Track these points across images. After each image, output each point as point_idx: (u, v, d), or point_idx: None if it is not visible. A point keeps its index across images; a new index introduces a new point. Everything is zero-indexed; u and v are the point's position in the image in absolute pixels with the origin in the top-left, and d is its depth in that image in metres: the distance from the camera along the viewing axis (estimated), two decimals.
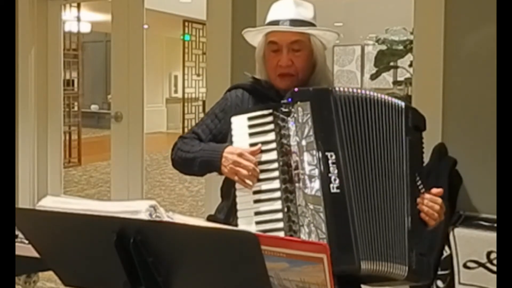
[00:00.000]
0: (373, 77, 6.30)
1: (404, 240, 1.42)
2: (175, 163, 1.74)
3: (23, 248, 1.57)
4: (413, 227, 1.43)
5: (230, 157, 1.51)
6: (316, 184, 1.40)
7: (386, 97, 1.52)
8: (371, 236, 1.39)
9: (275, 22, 1.64)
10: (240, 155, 1.49)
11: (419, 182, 1.48)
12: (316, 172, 1.41)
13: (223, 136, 1.67)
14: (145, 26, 3.97)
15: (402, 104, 1.53)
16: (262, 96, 1.68)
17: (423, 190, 1.48)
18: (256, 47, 1.73)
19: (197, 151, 1.63)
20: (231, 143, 1.56)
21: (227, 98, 1.76)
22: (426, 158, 2.42)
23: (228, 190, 1.61)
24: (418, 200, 1.46)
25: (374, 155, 1.46)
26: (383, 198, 1.44)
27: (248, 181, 1.48)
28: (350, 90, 1.50)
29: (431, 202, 1.46)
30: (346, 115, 1.47)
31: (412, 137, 1.50)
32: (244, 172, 1.47)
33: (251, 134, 1.54)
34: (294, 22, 1.62)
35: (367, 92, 1.51)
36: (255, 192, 1.48)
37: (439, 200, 1.47)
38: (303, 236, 1.38)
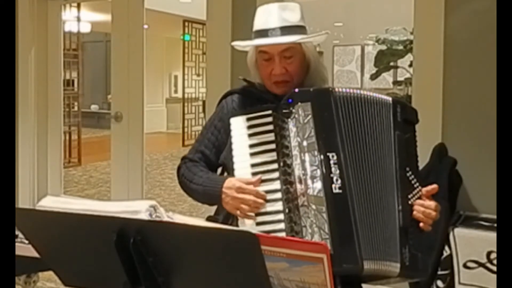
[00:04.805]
0: (373, 77, 6.30)
1: (396, 237, 1.43)
2: (181, 186, 1.73)
3: (23, 248, 1.57)
4: (404, 223, 1.44)
5: (229, 193, 1.50)
6: (318, 185, 1.40)
7: (376, 95, 1.53)
8: (371, 236, 1.40)
9: (264, 32, 1.60)
10: (239, 189, 1.48)
11: (412, 177, 1.48)
12: (318, 172, 1.41)
13: (225, 147, 1.67)
14: (145, 26, 3.97)
15: (389, 99, 1.53)
16: (258, 98, 1.67)
17: (417, 185, 1.48)
18: (248, 54, 1.72)
19: (199, 184, 1.62)
20: (230, 144, 1.56)
21: (223, 106, 1.74)
22: (426, 158, 2.45)
23: None
24: (414, 209, 1.46)
25: (370, 154, 1.47)
26: (378, 196, 1.44)
27: (250, 214, 1.46)
28: (348, 90, 1.51)
29: (426, 209, 1.45)
30: (346, 115, 1.47)
31: (401, 131, 1.51)
32: (245, 207, 1.46)
33: (250, 135, 1.53)
34: (283, 30, 1.58)
35: (361, 92, 1.52)
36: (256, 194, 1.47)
37: (432, 205, 1.46)
38: (306, 237, 1.38)
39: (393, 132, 1.50)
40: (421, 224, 1.45)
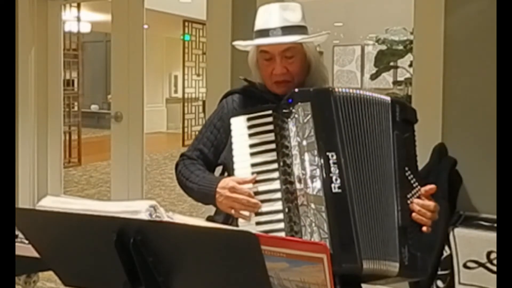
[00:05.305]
0: (373, 77, 6.31)
1: (395, 236, 1.43)
2: (178, 183, 1.73)
3: (23, 248, 1.57)
4: (403, 223, 1.44)
5: (222, 193, 1.51)
6: (318, 184, 1.40)
7: (375, 95, 1.53)
8: (370, 235, 1.40)
9: (265, 32, 1.61)
10: (232, 189, 1.49)
11: (411, 176, 1.48)
12: (317, 172, 1.41)
13: (225, 146, 1.67)
14: (145, 26, 3.97)
15: (388, 99, 1.54)
16: (259, 98, 1.67)
17: (416, 184, 1.48)
18: (249, 53, 1.72)
19: (195, 183, 1.63)
20: (230, 144, 1.56)
21: (224, 106, 1.75)
22: (426, 158, 2.45)
23: None
24: (411, 208, 1.46)
25: (369, 154, 1.47)
26: (377, 196, 1.45)
27: (244, 213, 1.47)
28: (348, 90, 1.51)
29: (423, 209, 1.45)
30: (345, 115, 1.47)
31: (400, 131, 1.51)
32: (238, 206, 1.47)
33: (250, 135, 1.54)
34: (284, 30, 1.59)
35: (360, 92, 1.52)
36: (256, 193, 1.47)
37: (431, 205, 1.46)
38: (305, 236, 1.38)
39: (392, 132, 1.50)
40: (424, 228, 1.44)
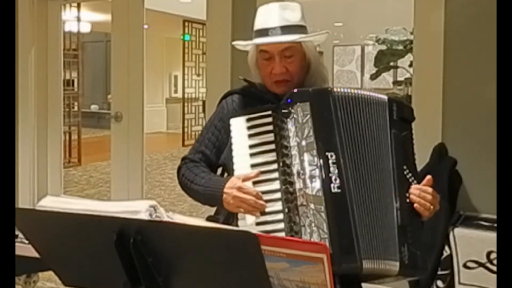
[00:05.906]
0: (373, 77, 6.32)
1: (394, 235, 1.43)
2: (181, 187, 1.72)
3: (23, 248, 1.57)
4: (403, 221, 1.44)
5: (230, 192, 1.50)
6: (317, 184, 1.41)
7: (372, 94, 1.54)
8: (370, 235, 1.40)
9: (264, 31, 1.61)
10: (239, 189, 1.48)
11: (409, 175, 1.49)
12: (316, 172, 1.41)
13: (226, 147, 1.67)
14: (145, 26, 3.97)
15: (385, 98, 1.54)
16: (259, 98, 1.67)
17: (414, 183, 1.49)
18: (248, 53, 1.72)
19: (201, 185, 1.61)
20: (230, 145, 1.56)
21: (224, 106, 1.74)
22: (426, 158, 2.45)
23: None
24: (409, 192, 1.47)
25: (368, 153, 1.47)
26: (376, 195, 1.45)
27: (253, 212, 1.47)
28: (347, 90, 1.52)
29: (423, 193, 1.46)
30: (344, 115, 1.48)
31: (398, 130, 1.52)
32: (246, 206, 1.47)
33: (250, 135, 1.53)
34: (283, 29, 1.59)
35: (359, 91, 1.53)
36: None
37: (429, 189, 1.47)
38: (305, 237, 1.38)
39: (390, 131, 1.51)
40: (415, 205, 1.45)
